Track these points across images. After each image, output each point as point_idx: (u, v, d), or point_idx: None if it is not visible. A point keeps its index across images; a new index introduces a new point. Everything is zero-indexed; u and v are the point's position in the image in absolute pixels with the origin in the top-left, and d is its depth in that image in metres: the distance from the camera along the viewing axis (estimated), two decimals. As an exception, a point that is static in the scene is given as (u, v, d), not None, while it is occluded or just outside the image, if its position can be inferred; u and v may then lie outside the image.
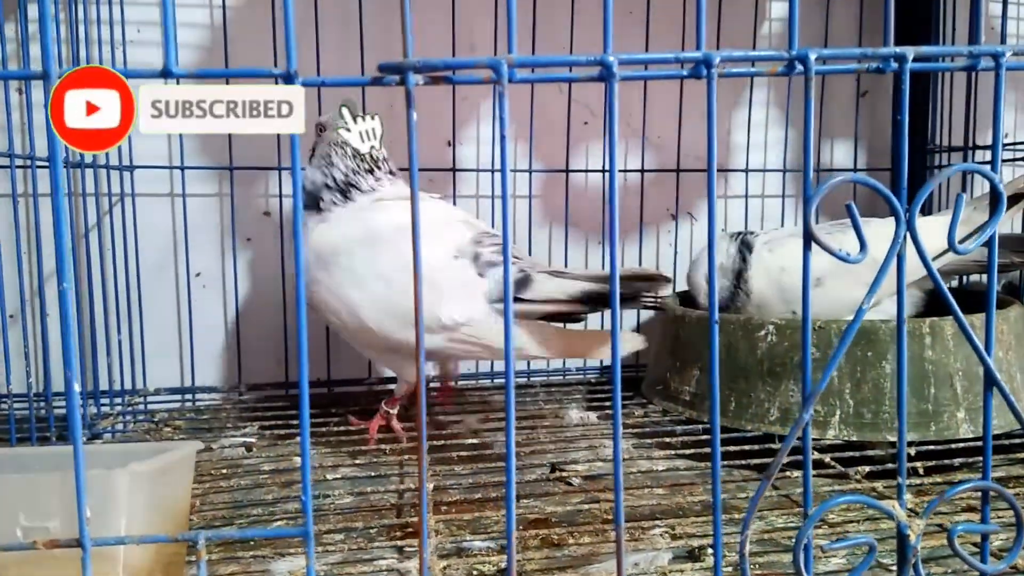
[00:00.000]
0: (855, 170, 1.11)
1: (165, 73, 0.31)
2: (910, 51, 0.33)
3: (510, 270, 0.33)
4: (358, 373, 1.02)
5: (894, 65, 0.34)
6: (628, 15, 1.04)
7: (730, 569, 0.52)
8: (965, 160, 1.05)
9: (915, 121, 1.08)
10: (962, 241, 0.61)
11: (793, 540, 0.55)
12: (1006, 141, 1.03)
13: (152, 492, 0.37)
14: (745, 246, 0.85)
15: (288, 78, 0.31)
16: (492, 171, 1.02)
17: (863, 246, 0.33)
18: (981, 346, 0.35)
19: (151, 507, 0.37)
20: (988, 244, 0.35)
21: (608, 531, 0.58)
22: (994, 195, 0.34)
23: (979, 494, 0.37)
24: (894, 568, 0.50)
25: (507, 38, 0.32)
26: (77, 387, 0.31)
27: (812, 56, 0.32)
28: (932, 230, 0.74)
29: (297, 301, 0.32)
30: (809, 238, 0.33)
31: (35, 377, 0.74)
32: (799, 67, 0.33)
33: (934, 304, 0.83)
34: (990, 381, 0.36)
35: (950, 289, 0.84)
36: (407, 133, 0.32)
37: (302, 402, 0.33)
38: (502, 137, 0.32)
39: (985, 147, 1.02)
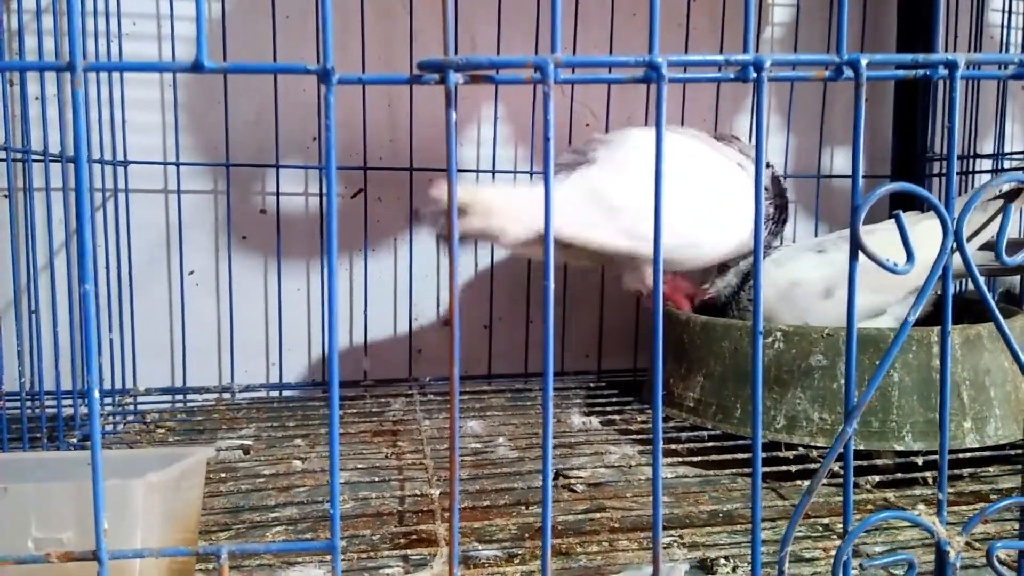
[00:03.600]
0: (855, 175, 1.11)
1: (196, 67, 0.29)
2: (961, 57, 0.32)
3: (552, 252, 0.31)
4: (352, 376, 1.01)
5: (943, 72, 0.33)
6: (632, 17, 1.03)
7: (746, 581, 0.51)
8: (964, 168, 1.05)
9: (914, 129, 1.08)
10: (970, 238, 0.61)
11: (806, 550, 0.56)
12: (1007, 150, 1.03)
13: (167, 501, 0.36)
14: None
15: (325, 75, 0.30)
16: (493, 172, 1.01)
17: (910, 257, 0.32)
18: (1021, 353, 0.34)
19: (166, 517, 0.36)
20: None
21: (618, 540, 0.58)
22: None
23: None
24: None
25: (550, 38, 0.31)
26: (96, 394, 0.30)
27: (864, 61, 0.31)
28: (933, 232, 0.74)
29: (329, 297, 0.31)
30: (856, 247, 0.32)
31: (27, 377, 0.72)
32: (847, 72, 0.32)
33: (936, 315, 0.83)
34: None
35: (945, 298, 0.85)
36: (446, 133, 0.31)
37: (332, 405, 0.32)
38: (546, 139, 0.31)
39: (986, 156, 1.03)
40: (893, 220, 0.33)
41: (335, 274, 0.31)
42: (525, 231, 0.69)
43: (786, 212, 0.87)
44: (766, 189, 0.84)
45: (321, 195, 0.98)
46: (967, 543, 0.52)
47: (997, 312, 0.34)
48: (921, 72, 0.33)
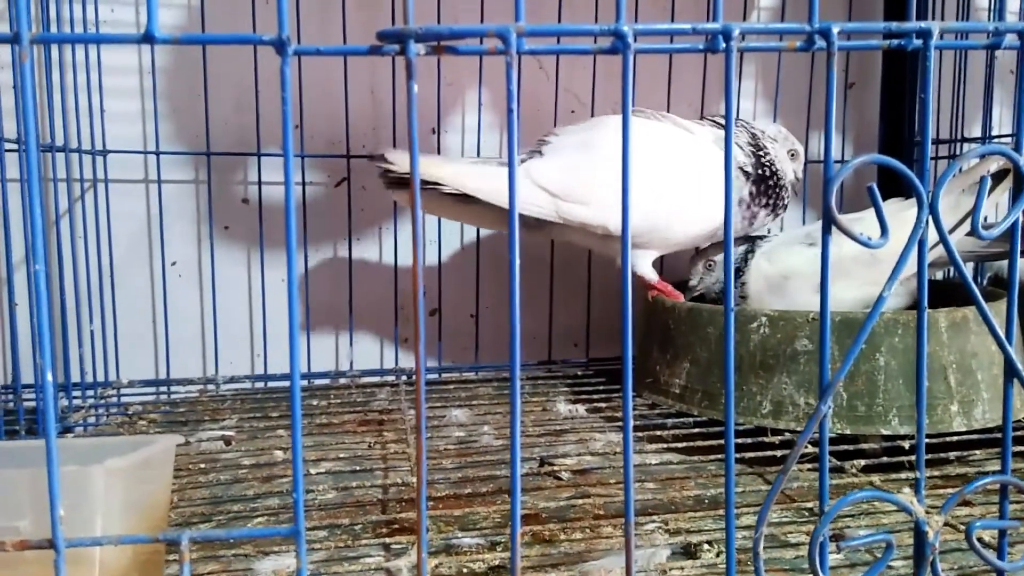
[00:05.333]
0: (843, 160, 1.10)
1: (147, 38, 0.29)
2: (935, 26, 0.31)
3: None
4: (334, 366, 1.00)
5: (917, 42, 0.32)
6: None
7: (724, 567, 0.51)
8: (952, 152, 1.04)
9: (902, 112, 1.07)
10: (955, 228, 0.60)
11: (791, 535, 0.55)
12: (995, 134, 1.03)
13: (130, 489, 0.35)
14: (750, 251, 0.85)
15: (280, 45, 0.29)
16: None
17: (884, 231, 0.32)
18: (1003, 335, 0.33)
19: (129, 505, 0.35)
20: (1011, 230, 0.33)
21: (601, 527, 0.57)
22: (1019, 178, 0.33)
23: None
24: (899, 565, 0.49)
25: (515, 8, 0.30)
26: (49, 377, 0.29)
27: (835, 29, 0.31)
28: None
29: (289, 291, 0.30)
30: (830, 221, 0.31)
31: (2, 369, 0.71)
32: (820, 42, 0.32)
33: (932, 301, 0.83)
34: (1011, 371, 0.35)
35: (932, 282, 0.84)
36: (407, 106, 0.30)
37: (294, 395, 0.31)
38: (509, 111, 0.30)
39: (973, 139, 1.02)
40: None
41: (295, 265, 0.30)
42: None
43: (775, 193, 0.85)
44: (744, 170, 0.84)
45: (304, 184, 0.97)
46: (950, 524, 0.52)
47: (977, 292, 0.33)
48: (895, 42, 0.32)
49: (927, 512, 0.33)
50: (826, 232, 0.31)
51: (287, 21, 0.29)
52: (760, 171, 0.84)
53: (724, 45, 0.31)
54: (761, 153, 0.84)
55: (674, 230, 0.83)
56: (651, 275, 0.86)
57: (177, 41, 0.29)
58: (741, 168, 0.83)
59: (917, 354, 0.33)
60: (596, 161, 0.81)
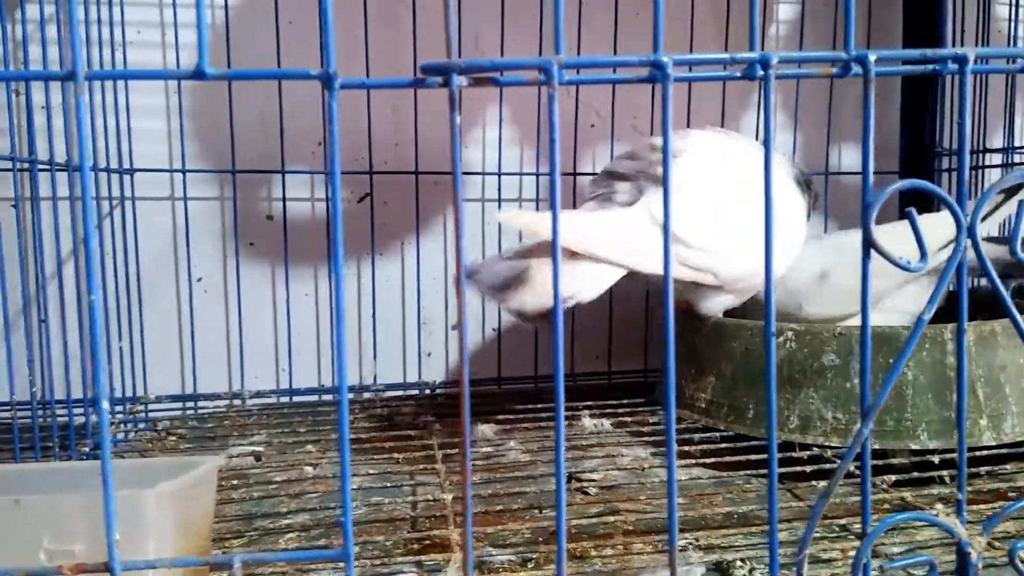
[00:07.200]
0: (864, 172, 1.10)
1: (198, 74, 0.29)
2: (971, 52, 0.31)
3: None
4: (359, 380, 1.01)
5: (953, 67, 0.32)
6: (636, 16, 1.02)
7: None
8: (974, 163, 1.04)
9: (922, 124, 1.07)
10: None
11: (823, 551, 0.55)
12: (1017, 144, 1.02)
13: (179, 511, 0.36)
14: None
15: (328, 79, 0.30)
16: (499, 175, 1.01)
17: (924, 255, 0.32)
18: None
19: (178, 527, 0.35)
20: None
21: (633, 543, 0.57)
22: (1056, 200, 0.33)
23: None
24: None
25: (554, 40, 0.31)
26: (106, 405, 0.30)
27: (872, 57, 0.31)
28: (936, 226, 0.73)
29: (336, 304, 0.30)
30: (869, 245, 0.31)
31: (37, 386, 0.72)
32: (855, 68, 0.32)
33: (946, 311, 0.83)
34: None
35: (951, 293, 0.84)
36: (450, 136, 0.31)
37: (342, 416, 0.31)
38: (552, 141, 0.30)
39: (995, 150, 1.02)
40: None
41: (342, 279, 0.31)
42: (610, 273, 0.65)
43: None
44: (798, 181, 0.78)
45: (327, 200, 0.98)
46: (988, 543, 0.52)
47: (1013, 308, 0.33)
48: (931, 67, 0.33)
49: (968, 531, 0.34)
50: (866, 256, 0.32)
51: (333, 56, 0.30)
52: (805, 181, 0.81)
53: (762, 73, 0.31)
54: (796, 161, 0.83)
55: (780, 272, 0.76)
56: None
57: (226, 77, 0.29)
58: (797, 181, 0.79)
59: (957, 374, 0.33)
60: (728, 201, 0.70)
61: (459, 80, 0.31)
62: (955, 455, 0.66)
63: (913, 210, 0.32)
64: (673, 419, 0.32)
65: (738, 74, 0.32)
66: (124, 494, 0.32)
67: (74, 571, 0.30)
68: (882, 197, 0.31)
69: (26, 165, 0.72)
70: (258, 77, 0.30)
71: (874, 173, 1.00)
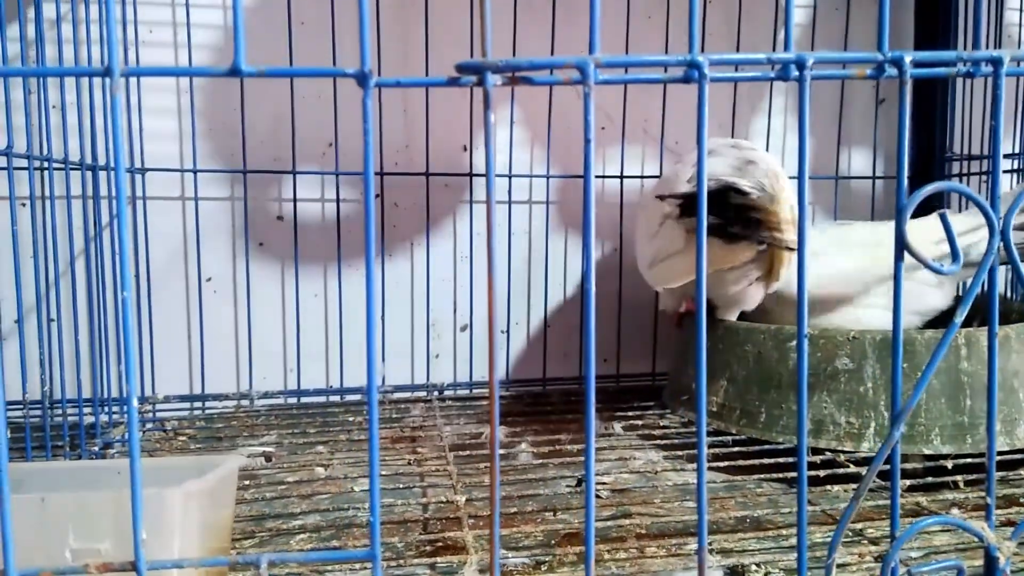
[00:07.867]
0: (873, 177, 1.10)
1: (234, 71, 0.29)
2: (1007, 54, 0.31)
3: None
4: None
5: (987, 69, 0.32)
6: (647, 20, 1.02)
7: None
8: (983, 167, 1.04)
9: (932, 129, 1.07)
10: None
11: (841, 556, 0.55)
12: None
13: (204, 511, 0.35)
14: None
15: (363, 78, 0.30)
16: (509, 176, 1.01)
17: (956, 257, 0.32)
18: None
19: (203, 526, 0.35)
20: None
21: (646, 547, 0.57)
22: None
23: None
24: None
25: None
26: (136, 403, 0.29)
27: (907, 59, 0.31)
28: (935, 229, 0.74)
29: (368, 297, 0.30)
30: (902, 248, 0.31)
31: (48, 385, 0.72)
32: (890, 70, 0.32)
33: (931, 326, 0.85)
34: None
35: (957, 299, 0.84)
36: (484, 135, 0.31)
37: (372, 415, 0.31)
38: (587, 141, 0.30)
39: (1009, 156, 1.02)
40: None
41: (373, 280, 0.31)
42: None
43: None
44: None
45: (338, 201, 0.98)
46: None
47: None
48: (964, 69, 0.33)
49: (998, 538, 0.33)
50: (898, 259, 0.32)
51: (368, 55, 0.30)
52: None
53: (797, 74, 0.31)
54: None
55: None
56: None
57: (263, 74, 0.29)
58: None
59: (988, 382, 0.33)
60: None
61: (493, 79, 0.31)
62: (968, 460, 0.67)
63: (947, 212, 0.31)
64: (704, 426, 0.32)
65: (772, 75, 0.32)
66: (150, 492, 0.32)
67: (101, 570, 0.30)
68: (915, 199, 0.31)
69: (41, 163, 0.72)
70: (293, 75, 0.30)
71: (883, 178, 0.99)
